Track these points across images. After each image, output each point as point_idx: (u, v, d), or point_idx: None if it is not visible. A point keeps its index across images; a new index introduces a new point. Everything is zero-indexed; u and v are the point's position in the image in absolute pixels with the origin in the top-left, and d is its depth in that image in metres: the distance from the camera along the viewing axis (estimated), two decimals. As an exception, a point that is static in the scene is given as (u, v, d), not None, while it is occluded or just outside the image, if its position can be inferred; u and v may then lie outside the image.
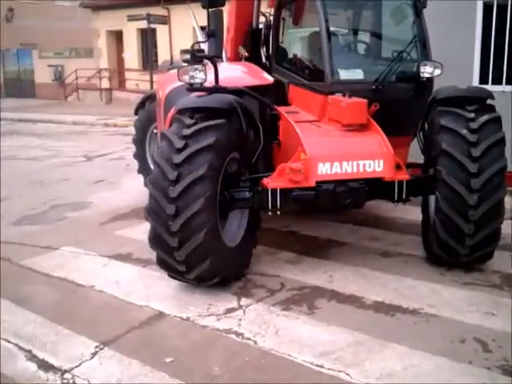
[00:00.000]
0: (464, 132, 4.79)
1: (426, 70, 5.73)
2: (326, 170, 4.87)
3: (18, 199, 8.32)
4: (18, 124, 19.18)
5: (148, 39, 19.98)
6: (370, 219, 6.76)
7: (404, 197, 5.09)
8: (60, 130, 17.19)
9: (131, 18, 19.33)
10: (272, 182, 4.88)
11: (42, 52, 28.94)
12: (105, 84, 26.52)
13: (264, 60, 7.65)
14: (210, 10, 5.27)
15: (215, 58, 5.36)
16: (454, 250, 4.92)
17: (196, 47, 5.81)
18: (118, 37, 27.67)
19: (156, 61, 23.59)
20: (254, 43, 7.67)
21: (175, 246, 4.33)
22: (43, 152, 12.92)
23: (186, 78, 5.24)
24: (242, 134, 4.72)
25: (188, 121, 4.57)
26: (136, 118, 8.27)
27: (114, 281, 5.04)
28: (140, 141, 8.11)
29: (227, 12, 8.23)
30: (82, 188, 9.02)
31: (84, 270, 5.33)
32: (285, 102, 6.51)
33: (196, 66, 5.25)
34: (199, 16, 7.73)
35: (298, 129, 5.17)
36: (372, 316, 4.28)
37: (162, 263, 4.58)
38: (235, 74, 6.07)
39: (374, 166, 4.95)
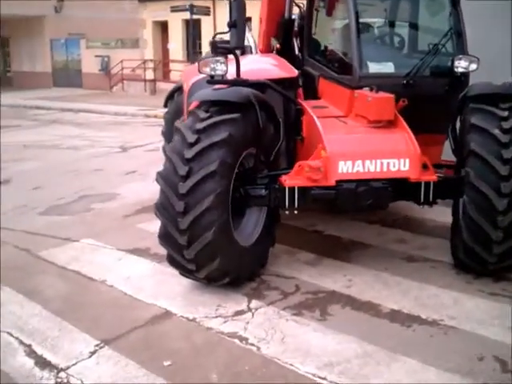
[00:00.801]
0: (495, 132, 4.47)
1: (461, 65, 5.40)
2: (348, 168, 4.63)
3: (50, 189, 8.36)
4: (60, 113, 19.49)
5: (191, 30, 19.92)
6: (400, 220, 6.46)
7: (431, 199, 4.81)
8: (100, 120, 17.36)
9: (174, 9, 19.33)
10: (290, 179, 4.68)
11: (89, 42, 29.35)
12: (149, 75, 26.68)
13: (297, 52, 7.44)
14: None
15: (237, 50, 5.18)
16: (481, 257, 4.61)
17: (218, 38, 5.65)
18: (163, 27, 27.78)
19: (200, 52, 23.58)
20: (286, 34, 7.44)
21: (184, 244, 4.19)
22: (81, 142, 13.04)
23: (207, 69, 5.08)
24: (258, 128, 4.53)
25: (202, 114, 4.42)
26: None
27: (126, 276, 4.95)
28: (169, 133, 8.01)
29: (260, 3, 8.07)
30: (113, 179, 9.02)
31: (98, 264, 5.27)
32: (315, 95, 6.32)
33: (217, 58, 5.09)
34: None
35: (319, 124, 4.95)
36: (386, 326, 4.04)
37: (172, 261, 4.45)
38: (259, 66, 5.88)
39: (399, 166, 4.68)
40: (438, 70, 5.54)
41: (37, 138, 13.49)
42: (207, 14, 20.12)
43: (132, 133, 14.47)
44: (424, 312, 4.22)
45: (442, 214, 5.98)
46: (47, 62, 31.15)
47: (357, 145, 4.84)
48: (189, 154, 4.16)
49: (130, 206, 7.23)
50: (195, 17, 20.29)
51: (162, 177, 4.28)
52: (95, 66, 28.64)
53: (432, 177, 4.75)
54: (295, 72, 5.58)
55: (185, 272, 4.49)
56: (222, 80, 5.07)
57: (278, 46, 7.57)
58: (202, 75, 5.24)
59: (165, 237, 4.32)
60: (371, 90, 5.20)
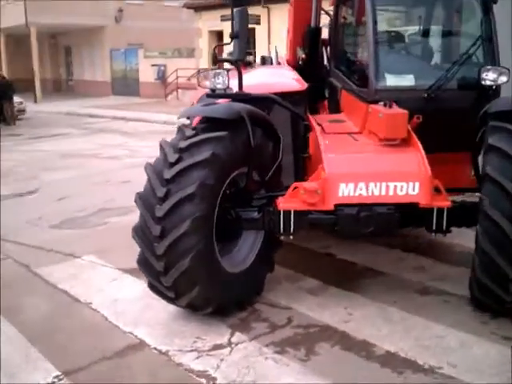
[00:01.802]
0: (515, 154, 3.95)
1: (489, 77, 4.91)
2: (349, 191, 4.23)
3: (73, 200, 8.29)
4: (111, 122, 19.77)
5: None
6: (424, 244, 5.94)
7: (444, 227, 4.33)
8: (147, 129, 17.43)
9: (224, 18, 19.23)
10: (284, 202, 4.32)
11: (147, 52, 29.82)
12: (204, 84, 26.75)
13: (326, 62, 7.08)
14: (234, 8, 4.78)
15: (239, 62, 4.88)
16: (497, 295, 4.09)
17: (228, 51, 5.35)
18: (218, 37, 27.84)
19: (255, 61, 23.40)
20: (313, 44, 7.08)
21: (161, 270, 3.91)
22: (122, 151, 13.07)
23: (207, 83, 4.83)
24: (250, 147, 4.19)
25: (188, 132, 4.14)
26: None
27: (114, 299, 4.72)
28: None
29: (288, 12, 7.75)
30: (138, 191, 8.85)
31: (91, 284, 5.07)
32: (338, 109, 5.95)
33: (218, 71, 4.83)
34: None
35: (321, 142, 4.56)
36: (374, 371, 3.60)
37: (152, 288, 4.18)
38: (265, 79, 5.54)
39: (408, 189, 4.24)
40: (465, 82, 5.06)
41: (79, 147, 13.64)
42: (257, 23, 19.91)
43: (174, 143, 14.39)
44: (422, 356, 3.75)
45: (472, 239, 5.44)
46: (107, 71, 31.91)
47: (361, 165, 4.43)
48: (168, 174, 3.88)
49: (145, 221, 7.02)
50: (255, 25, 20.05)
51: (140, 198, 4.02)
52: (152, 75, 29.06)
53: (445, 202, 4.28)
54: (304, 85, 5.21)
55: (165, 299, 4.20)
56: (223, 94, 4.79)
57: (303, 56, 7.23)
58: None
59: (143, 262, 4.05)
60: (385, 104, 4.77)
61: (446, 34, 5.65)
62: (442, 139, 4.99)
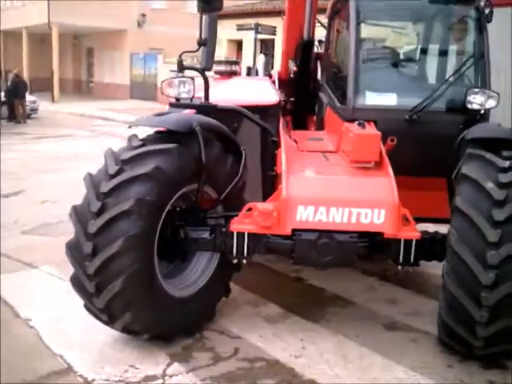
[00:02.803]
0: (489, 186, 3.57)
1: (476, 100, 4.54)
2: (308, 215, 3.88)
3: (55, 203, 8.02)
4: (118, 126, 19.54)
5: (256, 49, 19.51)
6: (404, 273, 5.51)
7: (412, 260, 3.96)
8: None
9: (240, 28, 19.04)
10: (237, 224, 3.98)
11: (166, 57, 29.75)
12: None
13: (319, 76, 6.75)
14: (203, 14, 4.49)
15: (206, 71, 4.59)
16: (464, 339, 3.70)
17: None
18: (238, 46, 27.72)
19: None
20: (304, 57, 6.76)
21: (93, 291, 3.60)
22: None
23: (171, 91, 4.54)
24: (201, 162, 3.87)
25: (135, 142, 3.85)
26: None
27: (58, 315, 4.42)
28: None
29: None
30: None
31: (39, 297, 4.78)
32: (322, 126, 5.65)
33: (183, 79, 4.54)
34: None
35: (284, 160, 4.21)
36: (311, 419, 3.25)
37: (88, 309, 3.87)
38: (236, 90, 5.21)
39: (372, 217, 3.88)
40: (451, 105, 4.71)
41: (79, 150, 13.43)
42: (273, 33, 19.61)
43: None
44: (371, 404, 3.38)
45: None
46: (126, 74, 31.90)
47: (323, 188, 4.08)
48: (105, 187, 3.58)
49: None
50: (271, 36, 19.81)
51: (75, 211, 3.71)
52: (169, 80, 28.90)
53: (413, 233, 3.91)
54: (276, 100, 4.87)
55: (101, 322, 3.88)
56: (187, 104, 4.51)
57: (294, 68, 6.92)
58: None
59: (75, 281, 3.75)
60: (359, 124, 4.43)
61: (435, 53, 5.28)
62: (423, 164, 4.66)
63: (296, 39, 6.89)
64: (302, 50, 6.72)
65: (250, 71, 7.06)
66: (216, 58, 4.82)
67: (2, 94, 19.02)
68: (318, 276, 5.35)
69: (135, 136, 3.94)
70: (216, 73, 6.50)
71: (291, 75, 6.95)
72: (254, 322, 4.43)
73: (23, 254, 5.80)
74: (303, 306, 4.74)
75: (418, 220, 4.62)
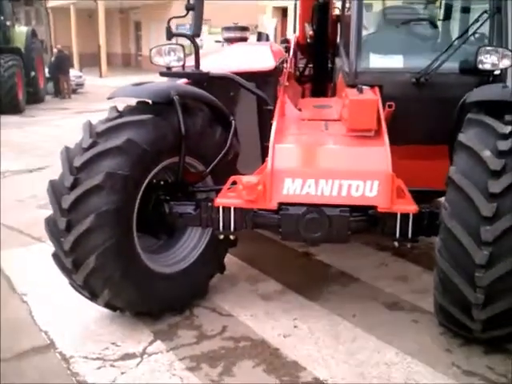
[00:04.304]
0: (485, 154, 3.24)
1: (488, 60, 4.15)
2: (295, 188, 3.66)
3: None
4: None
5: (297, 15, 18.98)
6: (420, 248, 5.22)
7: (410, 236, 3.68)
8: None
9: (280, -6, 18.50)
10: (220, 198, 3.80)
11: (211, 27, 29.50)
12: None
13: (338, 40, 6.42)
14: (190, -23, 4.26)
15: (195, 37, 4.38)
16: (461, 322, 3.42)
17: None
18: (283, 13, 27.15)
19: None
20: (320, 20, 6.44)
21: (70, 267, 3.53)
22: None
23: (160, 60, 4.37)
24: (180, 133, 3.69)
25: (112, 114, 3.71)
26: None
27: (52, 291, 4.39)
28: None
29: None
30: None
31: (39, 273, 4.77)
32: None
33: (172, 46, 4.36)
34: None
35: (273, 129, 3.97)
36: (284, 405, 3.08)
37: (72, 285, 3.81)
38: (230, 56, 4.97)
39: (364, 190, 3.61)
40: (463, 66, 4.33)
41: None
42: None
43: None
44: (352, 389, 3.18)
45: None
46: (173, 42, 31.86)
47: (312, 160, 3.85)
48: (78, 161, 3.47)
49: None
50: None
51: (52, 186, 3.63)
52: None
53: (409, 207, 3.62)
54: (271, 66, 4.60)
55: (85, 298, 3.82)
56: (178, 72, 4.34)
57: (311, 32, 6.61)
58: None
59: (55, 257, 3.68)
60: (358, 89, 4.15)
61: (446, 9, 4.86)
62: (432, 131, 4.33)
63: (311, 1, 6.57)
64: (318, 12, 6.42)
65: (261, 37, 6.77)
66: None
67: (47, 69, 19.33)
68: (327, 251, 5.12)
69: (115, 107, 3.80)
70: (225, 40, 6.30)
71: (308, 40, 6.66)
72: (248, 300, 4.27)
73: (34, 229, 5.80)
74: (304, 284, 4.54)
75: (430, 193, 4.34)
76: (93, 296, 3.67)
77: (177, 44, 4.38)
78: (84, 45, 31.45)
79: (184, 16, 4.34)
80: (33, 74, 17.06)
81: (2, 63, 15.08)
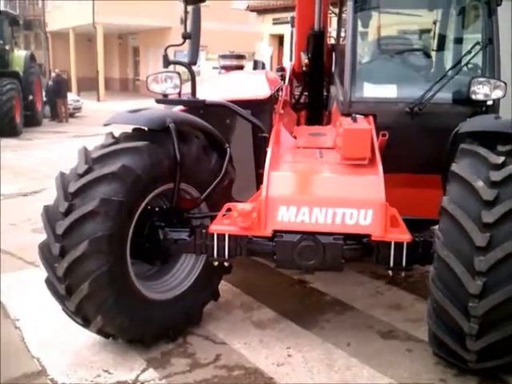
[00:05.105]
0: (478, 184, 3.27)
1: (481, 91, 4.21)
2: (290, 216, 3.67)
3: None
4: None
5: (293, 42, 19.25)
6: (415, 277, 5.22)
7: (404, 264, 3.68)
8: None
9: (276, 22, 18.83)
10: (215, 225, 3.81)
11: (209, 54, 29.82)
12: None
13: (333, 69, 6.52)
14: (187, 6, 4.32)
15: (192, 65, 4.43)
16: (455, 352, 3.41)
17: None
18: (279, 40, 27.46)
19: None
20: (316, 49, 6.52)
21: (63, 294, 3.51)
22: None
23: (156, 87, 4.41)
24: (175, 160, 3.71)
25: (108, 140, 3.73)
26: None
27: (45, 317, 4.35)
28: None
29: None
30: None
31: (34, 298, 4.75)
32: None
33: (169, 74, 4.41)
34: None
35: (268, 157, 4.00)
36: None
37: (65, 311, 3.78)
38: (227, 84, 5.03)
39: (358, 218, 3.63)
40: (456, 96, 4.39)
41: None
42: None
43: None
44: (344, 421, 3.15)
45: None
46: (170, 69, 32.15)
47: (307, 187, 3.87)
48: (73, 187, 3.47)
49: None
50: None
51: (46, 211, 3.63)
52: (212, 77, 28.98)
53: (403, 236, 3.63)
54: (266, 94, 4.64)
55: (78, 324, 3.79)
56: (173, 100, 4.38)
57: (306, 61, 6.68)
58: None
59: (48, 283, 3.66)
60: (352, 118, 4.20)
61: (439, 40, 4.95)
62: (425, 160, 4.37)
63: (307, 30, 6.66)
64: (313, 42, 6.49)
65: (257, 65, 6.85)
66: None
67: (44, 93, 19.44)
68: (322, 279, 5.12)
69: (111, 134, 3.82)
70: (222, 67, 6.37)
71: (303, 68, 6.73)
72: (242, 328, 4.25)
73: (27, 253, 5.78)
74: (298, 311, 4.53)
75: (424, 222, 4.35)
76: (85, 322, 3.64)
77: (173, 71, 4.41)
78: (82, 69, 31.69)
79: (181, 44, 4.39)
80: (31, 97, 17.16)
81: (0, 87, 15.17)
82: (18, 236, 6.45)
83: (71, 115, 20.64)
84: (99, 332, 3.72)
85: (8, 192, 8.68)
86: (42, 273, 5.19)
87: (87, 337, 3.95)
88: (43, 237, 3.63)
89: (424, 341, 4.02)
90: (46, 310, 4.46)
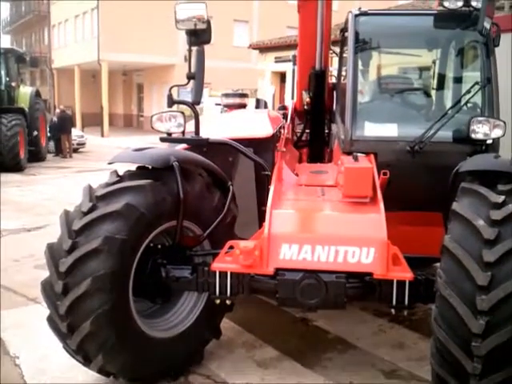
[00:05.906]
0: (479, 223, 3.27)
1: (480, 130, 4.27)
2: (292, 254, 3.68)
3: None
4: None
5: (295, 80, 19.55)
6: (418, 314, 5.20)
7: (406, 303, 3.67)
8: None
9: (278, 60, 19.12)
10: (217, 262, 3.81)
11: (212, 91, 30.20)
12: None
13: (335, 107, 6.61)
14: (192, 47, 4.44)
15: (195, 104, 4.52)
16: (459, 393, 3.36)
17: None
18: (281, 78, 27.82)
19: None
20: (317, 87, 6.62)
21: (65, 332, 3.50)
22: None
23: (160, 126, 4.48)
24: (178, 198, 3.75)
25: (112, 178, 3.77)
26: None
27: (45, 355, 4.33)
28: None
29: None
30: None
31: (32, 335, 4.73)
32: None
33: (173, 113, 4.48)
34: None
35: (270, 194, 4.04)
36: None
37: (65, 349, 3.76)
38: (230, 123, 5.11)
39: (360, 256, 3.64)
40: (456, 135, 4.45)
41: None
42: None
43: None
44: None
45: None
46: (174, 108, 32.51)
47: (308, 225, 3.89)
48: (77, 224, 3.50)
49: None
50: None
51: (50, 249, 3.65)
52: (215, 114, 29.31)
53: (405, 274, 3.63)
54: (268, 133, 4.71)
55: (79, 362, 3.77)
56: (177, 138, 4.45)
57: (308, 99, 6.79)
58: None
59: (50, 321, 3.66)
60: (353, 156, 4.25)
61: (439, 80, 5.03)
62: (426, 198, 4.39)
63: (308, 69, 6.78)
64: (315, 81, 6.60)
65: (259, 103, 6.95)
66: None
67: (48, 128, 19.66)
68: (324, 317, 5.10)
69: (115, 172, 3.87)
70: (225, 106, 6.47)
71: (305, 106, 6.83)
72: (244, 367, 4.22)
73: (30, 289, 5.79)
74: (301, 350, 4.50)
75: (426, 260, 4.35)
76: (86, 361, 3.62)
77: (177, 111, 4.49)
78: (87, 105, 32.11)
79: (185, 85, 4.48)
80: (35, 133, 17.36)
81: (6, 122, 15.37)
82: (21, 272, 6.45)
83: (75, 151, 20.82)
84: (100, 371, 3.69)
85: (11, 227, 8.71)
86: (44, 310, 5.22)
87: (88, 375, 3.92)
88: (46, 273, 3.64)
89: (427, 380, 3.97)
90: (47, 347, 4.46)
